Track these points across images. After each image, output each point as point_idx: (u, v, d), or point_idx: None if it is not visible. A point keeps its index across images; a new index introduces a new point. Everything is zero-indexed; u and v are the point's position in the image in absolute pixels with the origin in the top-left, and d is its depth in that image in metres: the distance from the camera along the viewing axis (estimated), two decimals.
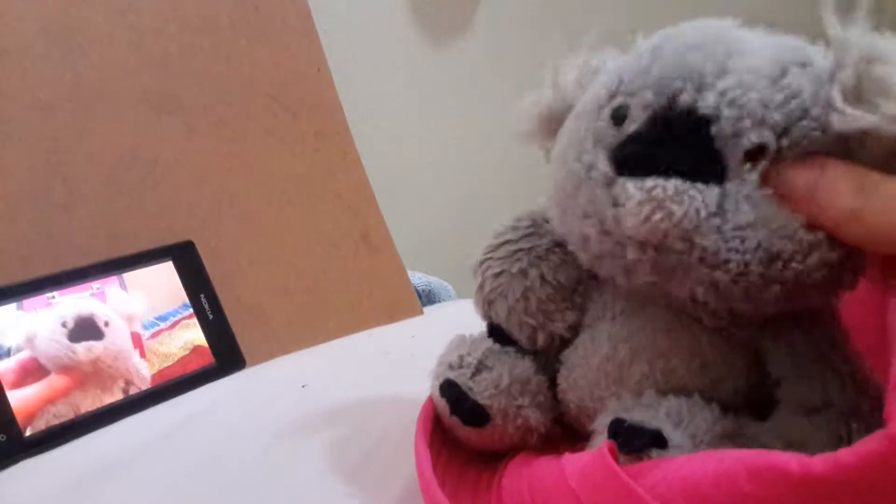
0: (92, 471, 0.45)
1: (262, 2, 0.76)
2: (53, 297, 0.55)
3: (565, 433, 0.37)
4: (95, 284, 0.57)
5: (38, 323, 0.53)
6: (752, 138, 0.26)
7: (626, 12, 1.33)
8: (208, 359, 0.61)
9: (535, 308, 0.35)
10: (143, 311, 0.57)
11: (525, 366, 0.36)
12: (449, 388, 0.35)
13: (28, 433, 0.50)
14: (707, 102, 0.26)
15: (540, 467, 0.32)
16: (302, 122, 0.76)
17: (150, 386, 0.56)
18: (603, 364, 0.33)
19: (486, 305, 0.37)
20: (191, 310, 0.62)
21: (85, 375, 0.54)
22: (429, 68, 1.18)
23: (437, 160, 1.21)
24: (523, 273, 0.36)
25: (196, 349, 0.61)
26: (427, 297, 0.85)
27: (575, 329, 0.36)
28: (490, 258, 0.37)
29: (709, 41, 0.28)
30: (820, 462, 0.22)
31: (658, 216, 0.26)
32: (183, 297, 0.62)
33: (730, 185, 0.26)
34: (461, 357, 0.36)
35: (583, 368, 0.34)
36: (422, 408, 0.37)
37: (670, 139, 0.27)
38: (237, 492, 0.41)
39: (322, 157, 0.77)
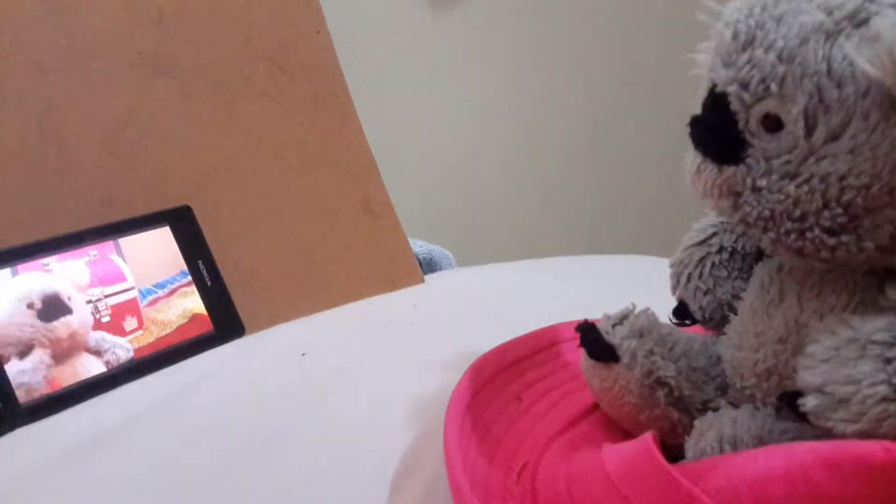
0: (89, 438, 0.45)
1: None
2: (48, 264, 0.54)
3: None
4: (91, 251, 0.56)
5: None
6: (758, 109, 0.28)
7: None
8: (207, 326, 0.60)
9: (709, 272, 0.38)
10: (88, 281, 0.56)
11: (676, 331, 0.37)
12: (585, 325, 0.37)
13: (24, 401, 0.50)
14: (720, 80, 0.29)
15: (579, 457, 0.31)
16: (301, 86, 0.75)
17: (134, 356, 0.55)
18: (753, 304, 0.34)
19: (675, 278, 0.39)
20: (189, 277, 0.61)
21: (63, 351, 0.53)
22: (430, 32, 1.16)
23: (438, 126, 1.19)
24: (707, 240, 0.38)
25: (195, 317, 0.60)
26: (428, 265, 0.84)
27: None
28: (690, 232, 0.40)
29: (762, 16, 0.28)
30: None
31: (688, 181, 0.31)
32: (181, 264, 0.61)
33: (750, 160, 0.29)
34: (624, 313, 0.37)
35: (735, 322, 0.35)
36: (452, 395, 0.37)
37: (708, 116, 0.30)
38: (236, 459, 0.41)
39: (321, 121, 0.75)
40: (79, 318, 0.54)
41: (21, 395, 0.50)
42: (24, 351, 0.51)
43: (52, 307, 0.53)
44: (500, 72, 1.23)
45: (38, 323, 0.52)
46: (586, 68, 1.30)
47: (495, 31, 1.21)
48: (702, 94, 0.31)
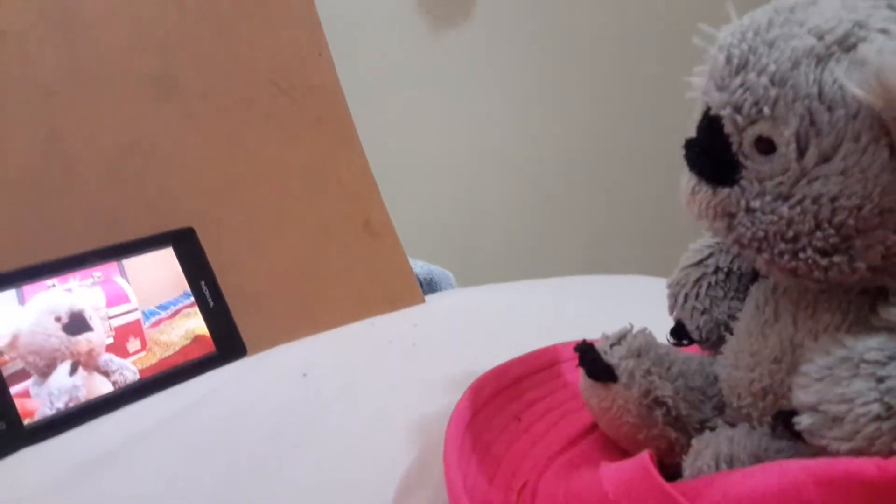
0: (92, 459, 0.45)
1: None
2: (53, 285, 0.55)
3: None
4: (96, 273, 0.57)
5: (26, 320, 0.52)
6: (751, 132, 0.28)
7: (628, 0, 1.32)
8: (209, 347, 0.61)
9: (705, 293, 0.38)
10: (104, 304, 0.57)
11: (673, 351, 0.38)
12: (583, 345, 0.37)
13: (28, 421, 0.50)
14: (714, 104, 0.30)
15: (578, 477, 0.32)
16: (303, 108, 0.75)
17: (139, 377, 0.56)
18: (748, 324, 0.34)
19: (672, 298, 0.40)
20: (192, 298, 0.61)
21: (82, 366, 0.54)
22: (430, 54, 1.17)
23: (438, 147, 1.20)
24: (704, 261, 0.39)
25: (197, 338, 0.60)
26: (428, 285, 0.84)
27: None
28: (687, 253, 0.41)
29: (754, 41, 0.29)
30: None
31: (683, 202, 0.32)
32: (184, 285, 0.61)
33: (744, 182, 0.29)
34: (622, 333, 0.38)
35: (731, 342, 0.35)
36: (452, 415, 0.37)
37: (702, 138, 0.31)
38: (238, 479, 0.41)
39: (323, 142, 0.76)
40: (97, 337, 0.55)
41: (64, 405, 0.50)
42: (49, 363, 0.52)
43: (77, 322, 0.54)
44: (500, 93, 1.24)
45: (63, 335, 0.53)
46: (586, 90, 1.31)
47: (496, 52, 1.23)
48: (696, 116, 0.32)
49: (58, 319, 0.53)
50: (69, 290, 0.55)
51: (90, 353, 0.54)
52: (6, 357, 0.51)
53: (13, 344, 0.51)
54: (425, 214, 1.18)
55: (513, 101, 1.26)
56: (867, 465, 0.22)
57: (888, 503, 0.21)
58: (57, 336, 0.53)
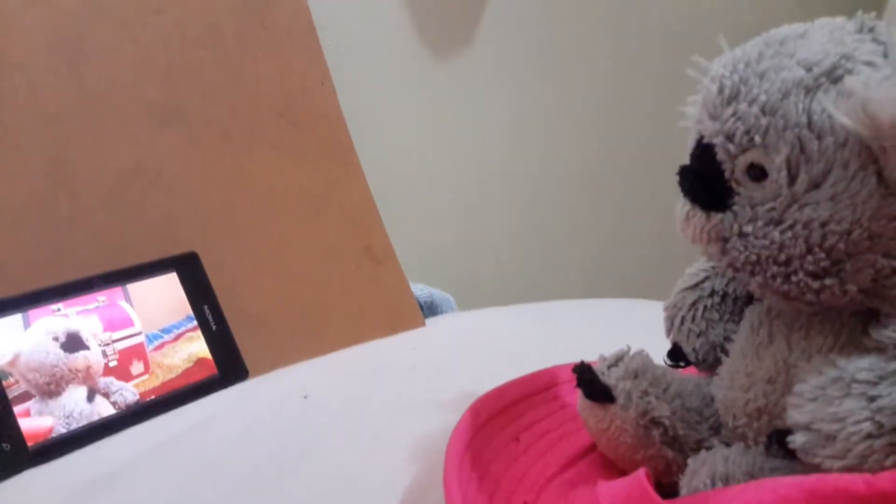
0: (95, 481, 0.46)
1: (267, 16, 0.77)
2: (59, 309, 0.55)
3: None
4: (100, 297, 0.57)
5: (23, 341, 0.54)
6: (743, 159, 0.29)
7: (631, 26, 1.34)
8: (211, 370, 0.61)
9: (701, 316, 0.39)
10: (101, 329, 0.59)
11: (670, 372, 0.38)
12: (581, 366, 0.38)
13: (32, 443, 0.50)
14: (707, 132, 0.31)
15: (575, 496, 0.32)
16: (305, 135, 0.77)
17: (139, 399, 0.57)
18: (743, 346, 0.35)
19: (669, 321, 0.40)
20: (194, 322, 0.62)
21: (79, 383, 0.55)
22: (431, 82, 1.18)
23: (439, 173, 1.21)
24: (700, 284, 0.40)
25: (199, 361, 0.61)
26: (429, 309, 0.85)
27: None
28: (683, 276, 0.41)
29: (745, 72, 0.30)
30: (889, 479, 0.22)
31: (678, 227, 0.33)
32: (186, 309, 0.62)
33: (736, 207, 0.30)
34: (619, 355, 0.38)
35: (727, 364, 0.36)
36: (451, 436, 0.38)
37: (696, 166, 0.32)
38: (239, 501, 0.41)
39: (325, 169, 0.77)
40: (94, 356, 0.56)
41: (26, 434, 0.51)
42: (50, 381, 0.53)
43: (74, 342, 0.56)
44: (500, 120, 1.26)
45: (61, 352, 0.55)
46: (587, 115, 1.33)
47: (496, 80, 1.24)
48: (690, 144, 0.33)
49: (55, 339, 0.55)
50: (66, 315, 0.56)
51: (88, 370, 0.55)
52: (10, 379, 0.51)
53: (14, 363, 0.52)
54: (426, 239, 1.18)
55: (513, 127, 1.27)
56: (856, 481, 0.22)
57: None
58: (55, 353, 0.54)
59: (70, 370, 0.54)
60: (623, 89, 1.35)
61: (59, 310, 0.55)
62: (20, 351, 0.53)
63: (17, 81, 0.62)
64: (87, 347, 0.56)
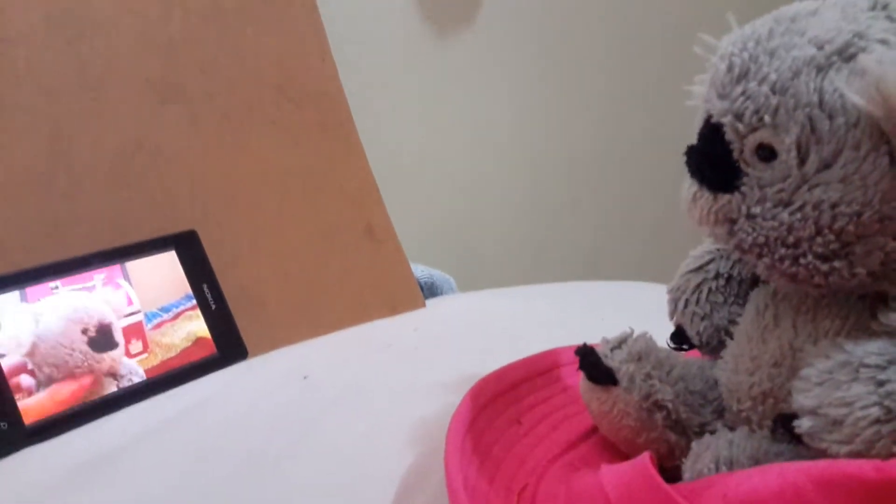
0: (92, 460, 0.46)
1: None
2: (56, 287, 0.55)
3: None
4: (99, 275, 0.57)
5: (49, 326, 0.51)
6: (752, 139, 0.29)
7: (636, 2, 1.32)
8: (210, 349, 0.61)
9: (705, 298, 0.38)
10: (126, 310, 0.57)
11: (674, 355, 0.38)
12: (584, 349, 0.38)
13: (29, 421, 0.50)
14: (716, 112, 0.30)
15: (577, 479, 0.32)
16: (306, 113, 0.76)
17: (147, 378, 0.56)
18: (748, 329, 0.34)
19: (672, 304, 0.40)
20: (193, 301, 0.61)
21: (94, 380, 0.54)
22: (433, 60, 1.17)
23: (440, 153, 1.20)
24: (704, 266, 0.39)
25: (198, 340, 0.61)
26: (429, 290, 0.84)
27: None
28: (687, 259, 0.41)
29: (755, 50, 0.30)
30: None
31: (684, 208, 0.32)
32: (186, 288, 0.62)
33: (745, 188, 0.30)
34: (622, 337, 0.38)
35: (731, 347, 0.36)
36: (452, 418, 0.37)
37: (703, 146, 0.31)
38: (237, 482, 0.41)
39: (326, 148, 0.77)
40: (119, 353, 0.55)
41: (24, 413, 0.50)
42: (65, 377, 0.51)
43: (104, 338, 0.54)
44: (502, 99, 1.25)
45: (88, 351, 0.53)
46: (589, 95, 1.32)
47: (499, 57, 1.23)
48: (698, 124, 0.32)
49: (84, 331, 0.53)
50: (91, 288, 0.53)
51: (110, 369, 0.54)
52: (7, 358, 0.51)
53: (32, 352, 0.51)
54: (427, 219, 1.18)
55: (515, 107, 1.26)
56: (866, 467, 0.22)
57: None
58: (81, 352, 0.52)
59: (92, 370, 0.53)
60: (628, 68, 1.34)
61: (56, 287, 0.55)
62: (39, 340, 0.50)
63: (15, 55, 0.61)
64: (115, 344, 0.54)
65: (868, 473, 0.22)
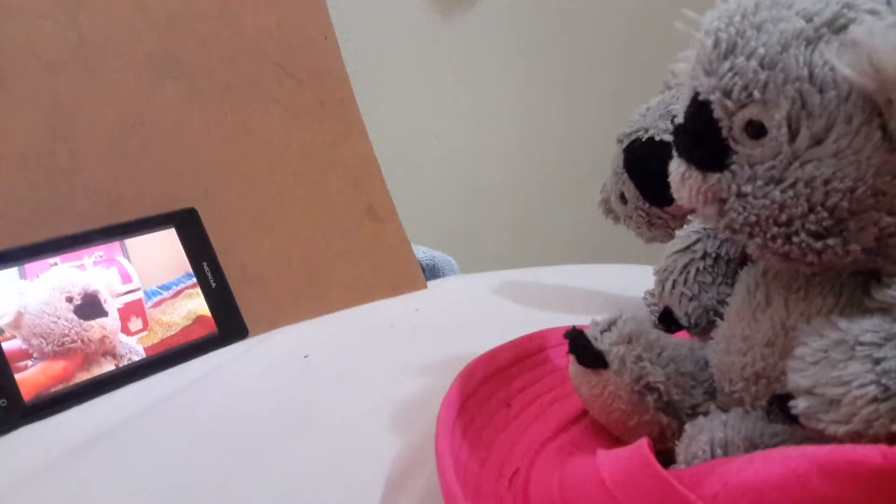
0: (92, 437, 0.46)
1: None
2: (55, 263, 0.55)
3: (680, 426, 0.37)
4: (98, 252, 0.57)
5: (33, 297, 0.50)
6: (741, 116, 0.28)
7: None
8: (210, 328, 0.61)
9: (693, 279, 0.38)
10: (120, 288, 0.56)
11: (664, 336, 0.37)
12: (573, 332, 0.37)
13: (29, 399, 0.50)
14: (703, 89, 0.29)
15: (572, 464, 0.32)
16: (307, 91, 0.75)
17: (146, 356, 0.56)
18: (739, 309, 0.34)
19: (660, 285, 0.40)
20: (194, 279, 0.61)
21: (87, 355, 0.53)
22: (437, 39, 1.16)
23: (443, 132, 1.20)
24: (691, 247, 0.39)
25: (199, 319, 0.60)
26: (430, 271, 0.84)
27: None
28: (674, 239, 0.40)
29: (742, 24, 0.29)
30: None
31: (673, 188, 0.32)
32: (186, 266, 0.61)
33: (735, 167, 0.29)
34: (612, 320, 0.37)
35: (722, 327, 0.35)
36: (442, 402, 0.37)
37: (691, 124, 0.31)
38: (237, 461, 0.41)
39: (327, 126, 0.76)
40: (112, 323, 0.54)
41: (23, 390, 0.50)
42: (58, 351, 0.50)
43: (90, 305, 0.53)
44: (505, 79, 1.24)
45: (74, 318, 0.52)
46: (593, 76, 1.31)
47: (501, 38, 1.22)
48: (684, 102, 0.31)
49: (69, 300, 0.52)
50: (82, 266, 0.53)
51: (102, 340, 0.53)
52: (7, 334, 0.50)
53: (17, 323, 0.50)
54: (429, 200, 1.17)
55: (518, 87, 1.25)
56: (872, 453, 0.22)
57: (893, 491, 0.21)
58: (67, 319, 0.51)
59: (83, 341, 0.52)
60: (633, 49, 1.32)
61: (55, 264, 0.54)
62: (24, 310, 0.50)
63: (14, 29, 0.60)
64: (104, 313, 0.53)
65: (874, 459, 0.21)
